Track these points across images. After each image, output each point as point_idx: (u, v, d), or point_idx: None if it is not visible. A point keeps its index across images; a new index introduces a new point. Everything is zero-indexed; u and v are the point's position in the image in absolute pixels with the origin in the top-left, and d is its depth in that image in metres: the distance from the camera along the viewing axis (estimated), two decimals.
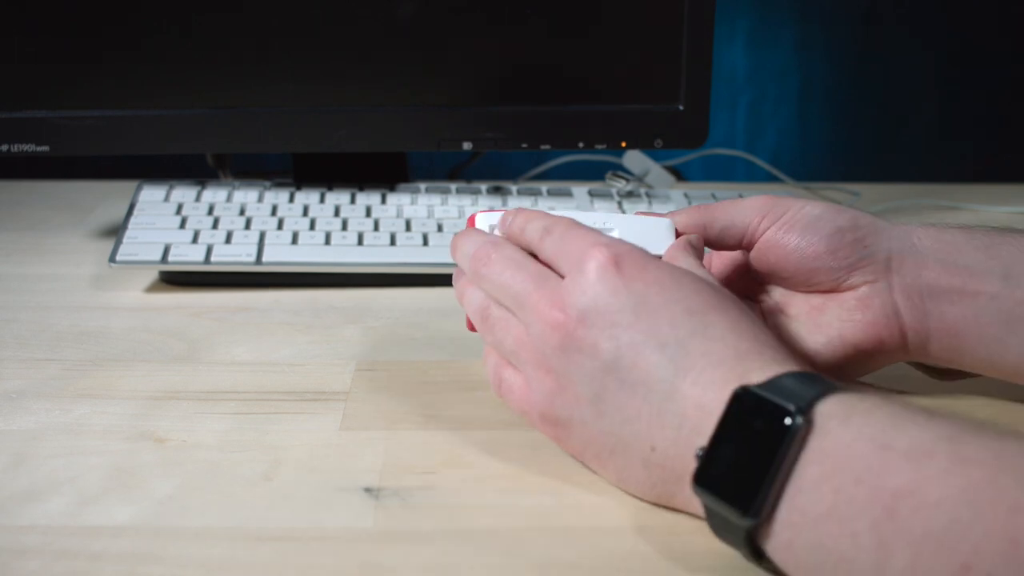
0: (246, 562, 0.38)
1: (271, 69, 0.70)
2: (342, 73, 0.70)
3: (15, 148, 0.69)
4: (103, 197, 0.85)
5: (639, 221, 0.49)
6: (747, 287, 0.52)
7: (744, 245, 0.49)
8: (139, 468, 0.44)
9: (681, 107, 0.72)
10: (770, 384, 0.36)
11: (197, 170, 0.81)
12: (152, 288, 0.66)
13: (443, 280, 0.66)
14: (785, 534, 0.34)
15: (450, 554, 0.39)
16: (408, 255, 0.66)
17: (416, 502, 0.42)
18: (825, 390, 0.35)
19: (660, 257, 0.47)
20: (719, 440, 0.36)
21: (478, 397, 0.51)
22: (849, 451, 0.32)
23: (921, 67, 1.06)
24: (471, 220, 0.49)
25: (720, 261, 0.53)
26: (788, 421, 0.33)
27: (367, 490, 0.43)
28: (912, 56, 1.06)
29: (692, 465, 0.37)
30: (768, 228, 0.48)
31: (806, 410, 0.34)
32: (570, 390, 0.41)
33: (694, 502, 0.38)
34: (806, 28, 1.05)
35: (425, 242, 0.68)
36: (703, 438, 0.36)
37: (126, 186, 0.78)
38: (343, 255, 0.66)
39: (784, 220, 0.48)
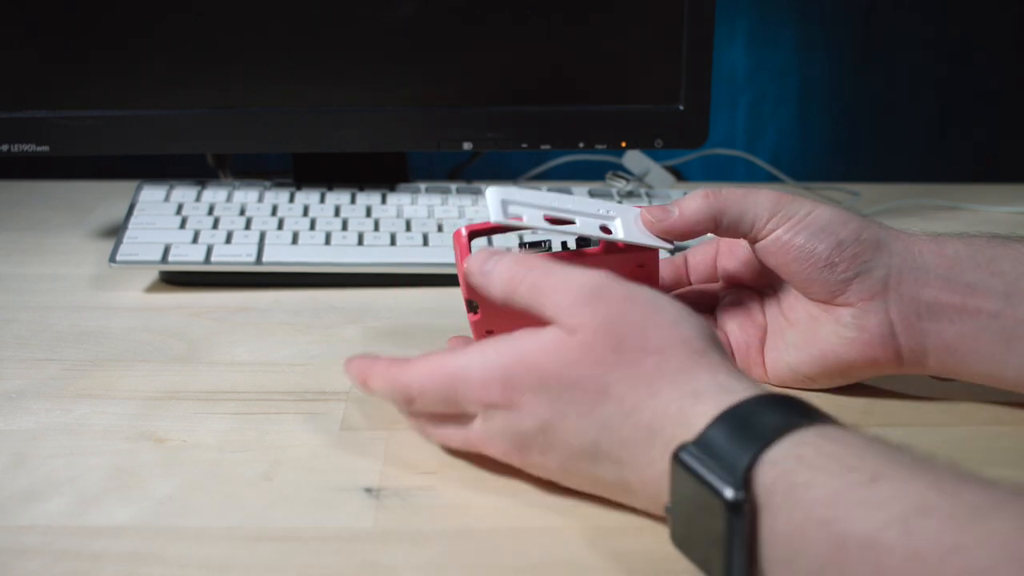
0: (246, 562, 0.38)
1: (271, 69, 0.70)
2: (342, 73, 0.70)
3: (15, 148, 0.69)
4: (103, 197, 0.85)
5: (635, 212, 0.49)
6: (756, 279, 0.52)
7: (750, 238, 0.49)
8: (139, 468, 0.44)
9: (681, 107, 0.72)
10: (702, 443, 0.34)
11: (197, 170, 0.81)
12: (152, 288, 0.66)
13: (443, 280, 0.66)
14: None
15: (450, 554, 0.39)
16: (408, 255, 0.66)
17: (416, 502, 0.42)
18: (756, 447, 0.33)
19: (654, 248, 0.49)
20: (678, 511, 0.35)
21: None
22: (804, 536, 0.31)
23: (921, 67, 1.06)
24: (458, 236, 0.49)
25: (727, 250, 0.53)
26: (729, 496, 0.32)
27: (367, 490, 0.43)
28: (912, 56, 1.06)
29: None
30: (775, 229, 0.47)
31: (745, 483, 0.33)
32: (515, 456, 0.42)
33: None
34: (806, 28, 1.05)
35: (425, 242, 0.68)
36: (665, 495, 0.36)
37: (126, 186, 0.78)
38: (343, 255, 0.66)
39: (791, 224, 0.47)
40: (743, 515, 0.32)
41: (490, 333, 0.51)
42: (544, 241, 0.50)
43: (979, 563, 0.27)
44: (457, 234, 0.49)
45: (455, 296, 0.64)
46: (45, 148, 0.70)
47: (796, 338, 0.49)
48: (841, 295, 0.47)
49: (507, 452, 0.41)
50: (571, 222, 0.48)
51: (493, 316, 0.49)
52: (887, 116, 1.09)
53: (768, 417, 0.34)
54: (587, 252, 0.49)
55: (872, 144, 1.10)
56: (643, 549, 0.39)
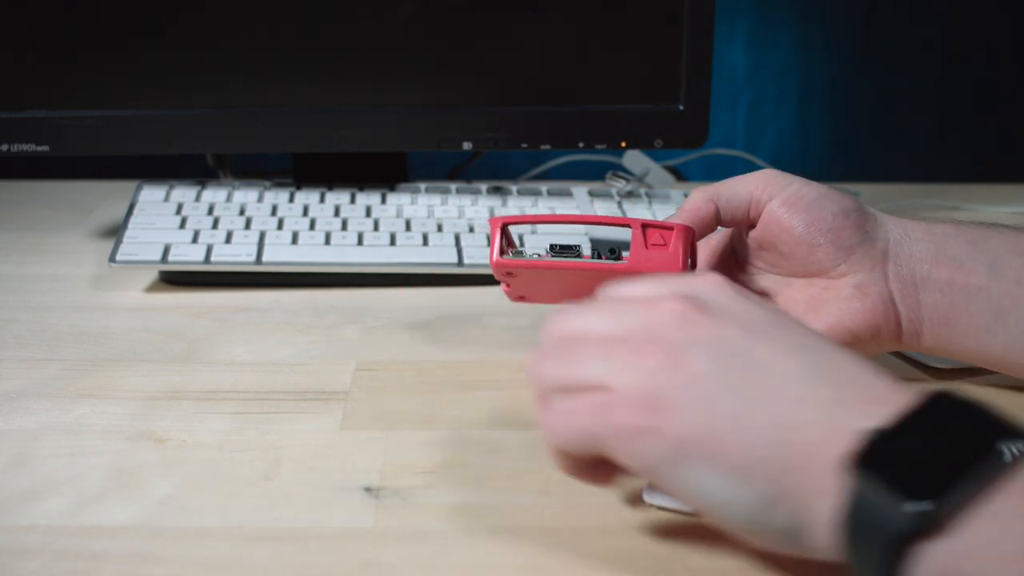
0: (246, 562, 0.38)
1: (271, 69, 0.70)
2: (342, 73, 0.70)
3: (15, 148, 0.69)
4: (103, 197, 0.85)
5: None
6: (749, 281, 0.52)
7: (751, 220, 0.50)
8: (139, 468, 0.44)
9: (681, 107, 0.72)
10: (972, 402, 0.31)
11: (197, 170, 0.81)
12: (152, 288, 0.66)
13: (443, 280, 0.66)
14: (952, 561, 0.28)
15: (450, 554, 0.39)
16: (408, 255, 0.66)
17: (416, 502, 0.42)
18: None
19: None
20: (902, 429, 0.30)
21: (478, 397, 0.51)
22: None
23: (921, 67, 1.06)
24: (494, 223, 0.50)
25: (718, 242, 0.53)
26: (1000, 440, 0.28)
27: (367, 490, 0.43)
28: (912, 56, 1.06)
29: (841, 444, 0.31)
30: (770, 200, 0.48)
31: (1018, 437, 0.29)
32: (686, 365, 0.34)
33: (814, 497, 0.31)
34: (806, 28, 1.05)
35: (425, 242, 0.68)
36: (864, 419, 0.31)
37: (126, 186, 0.78)
38: (343, 255, 0.66)
39: (787, 195, 0.48)
40: (1010, 454, 0.28)
41: (523, 298, 0.54)
42: (575, 246, 0.50)
43: None
44: (492, 223, 0.50)
45: (455, 296, 0.65)
46: (45, 148, 0.70)
47: (799, 317, 0.48)
48: (843, 263, 0.48)
49: (634, 414, 0.34)
50: (578, 247, 0.50)
51: (523, 287, 0.52)
52: (887, 116, 1.09)
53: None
54: (616, 267, 0.48)
55: (872, 144, 1.10)
56: (643, 549, 0.39)
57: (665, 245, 0.48)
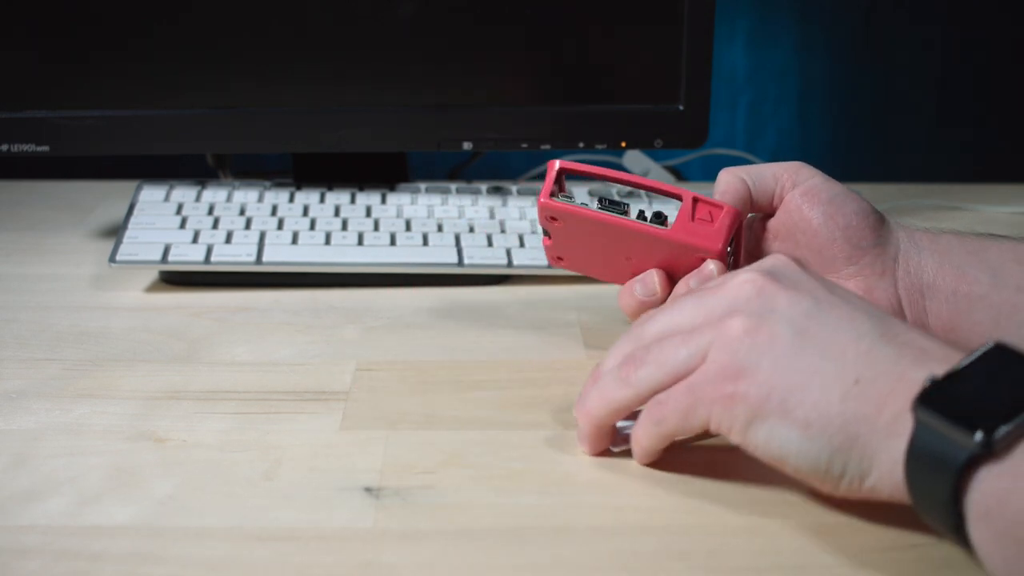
0: (246, 562, 0.38)
1: (271, 69, 0.70)
2: (342, 73, 0.70)
3: (15, 148, 0.69)
4: (103, 197, 0.85)
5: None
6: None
7: (773, 206, 0.50)
8: (139, 468, 0.44)
9: (681, 107, 0.72)
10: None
11: (197, 170, 0.81)
12: (152, 288, 0.66)
13: (443, 280, 0.66)
14: (1004, 482, 0.31)
15: (450, 554, 0.39)
16: (408, 255, 0.66)
17: (416, 502, 0.42)
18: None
19: None
20: (962, 374, 0.34)
21: (478, 397, 0.51)
22: None
23: (921, 67, 1.06)
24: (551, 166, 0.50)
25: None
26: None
27: (367, 490, 0.43)
28: (912, 56, 1.06)
29: (908, 392, 0.34)
30: (793, 188, 0.49)
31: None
32: (764, 330, 0.38)
33: (884, 442, 0.35)
34: (806, 28, 1.05)
35: (425, 242, 0.68)
36: (927, 371, 0.34)
37: (126, 186, 0.78)
38: (343, 255, 0.66)
39: (810, 186, 0.49)
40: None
41: (559, 259, 0.54)
42: (623, 203, 0.50)
43: None
44: (550, 164, 0.50)
45: (455, 296, 0.65)
46: (45, 148, 0.70)
47: None
48: (855, 264, 0.48)
49: (720, 382, 0.38)
50: (626, 205, 0.50)
51: (563, 244, 0.53)
52: (887, 116, 1.09)
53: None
54: (659, 233, 0.49)
55: (872, 144, 1.10)
56: (643, 549, 0.39)
57: (711, 222, 0.48)
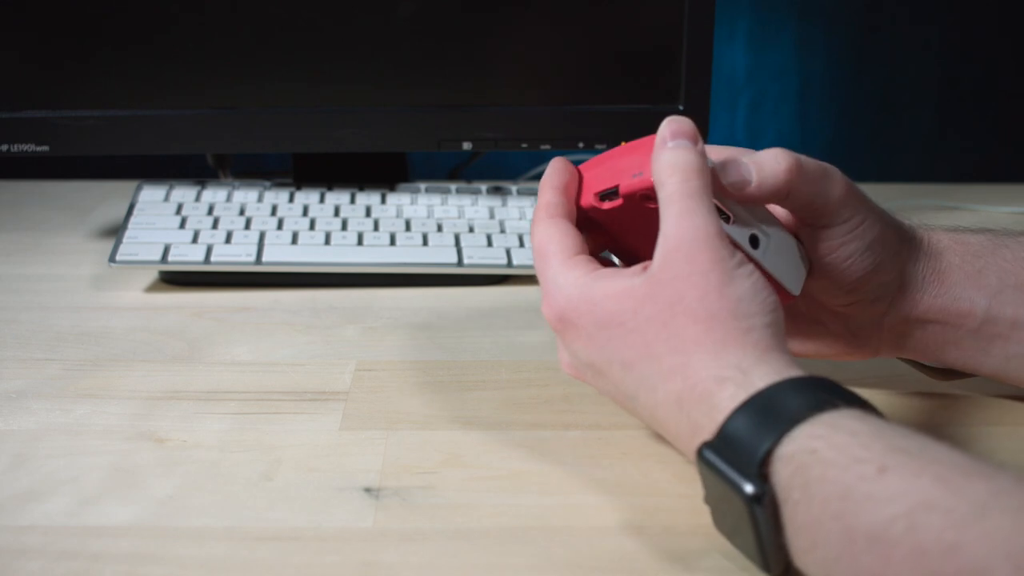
0: (246, 562, 0.38)
1: (271, 69, 0.70)
2: (342, 73, 0.70)
3: (15, 148, 0.69)
4: (103, 197, 0.85)
5: (786, 241, 0.44)
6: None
7: (810, 223, 0.45)
8: (139, 468, 0.44)
9: (681, 107, 0.72)
10: (719, 441, 0.36)
11: (197, 170, 0.81)
12: (152, 288, 0.66)
13: (443, 280, 0.66)
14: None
15: (450, 554, 0.39)
16: (408, 255, 0.66)
17: (416, 502, 0.42)
18: (771, 442, 0.35)
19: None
20: (711, 501, 0.38)
21: (478, 397, 0.51)
22: (821, 528, 0.33)
23: (921, 67, 1.06)
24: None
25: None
26: (748, 491, 0.34)
27: (367, 490, 0.43)
28: (912, 56, 1.06)
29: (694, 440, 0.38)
30: (847, 221, 0.44)
31: (761, 479, 0.35)
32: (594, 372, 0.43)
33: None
34: (806, 28, 1.05)
35: (425, 242, 0.68)
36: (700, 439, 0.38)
37: (126, 186, 0.78)
38: (343, 255, 0.66)
39: (855, 223, 0.44)
40: (764, 507, 0.34)
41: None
42: (726, 215, 0.43)
43: (977, 562, 0.29)
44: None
45: (455, 296, 0.65)
46: (45, 148, 0.70)
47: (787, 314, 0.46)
48: (847, 307, 0.47)
49: (568, 365, 0.45)
50: (727, 217, 0.43)
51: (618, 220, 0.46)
52: (887, 116, 1.09)
53: (785, 404, 0.35)
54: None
55: (872, 144, 1.10)
56: (643, 549, 0.39)
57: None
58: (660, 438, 0.46)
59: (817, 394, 0.36)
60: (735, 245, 0.41)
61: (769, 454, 0.35)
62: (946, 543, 0.30)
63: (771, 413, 0.35)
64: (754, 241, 0.43)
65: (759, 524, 0.35)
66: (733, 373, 0.37)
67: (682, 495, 0.42)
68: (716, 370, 0.37)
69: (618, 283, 0.40)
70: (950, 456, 0.32)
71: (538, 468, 0.44)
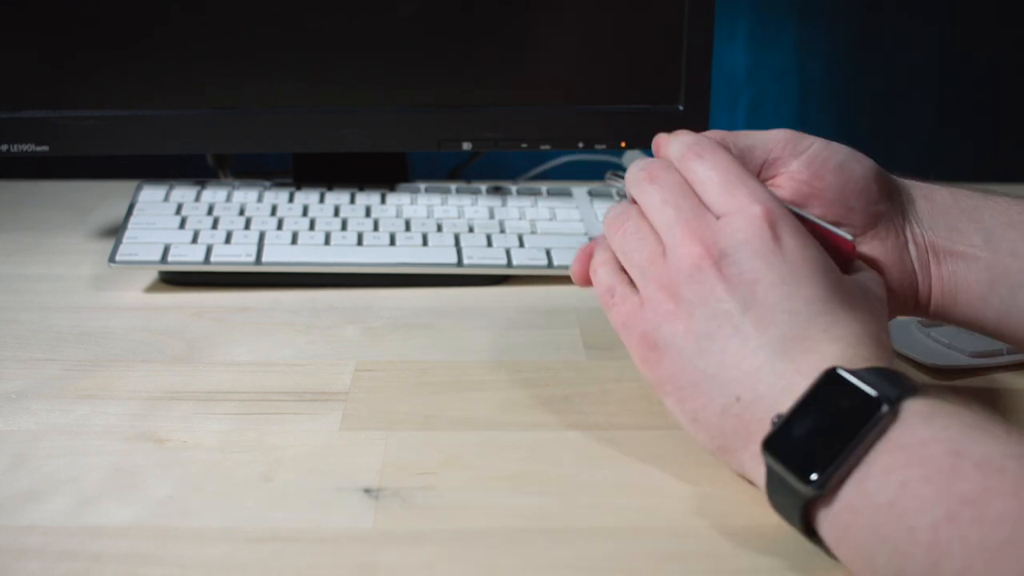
0: (246, 562, 0.38)
1: (271, 69, 0.70)
2: (342, 73, 0.70)
3: (15, 148, 0.69)
4: (103, 197, 0.85)
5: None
6: None
7: (762, 175, 0.47)
8: (139, 468, 0.44)
9: (681, 107, 0.72)
10: (865, 373, 0.36)
11: (197, 170, 0.81)
12: (152, 288, 0.66)
13: (443, 280, 0.66)
14: (844, 515, 0.34)
15: (450, 555, 0.39)
16: (408, 255, 0.66)
17: (416, 502, 0.42)
18: (913, 390, 0.35)
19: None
20: (800, 412, 0.36)
21: (478, 397, 0.51)
22: (924, 450, 0.33)
23: (921, 67, 1.06)
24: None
25: None
26: (875, 408, 0.34)
27: (367, 490, 0.43)
28: (912, 56, 1.06)
29: (766, 428, 0.37)
30: (793, 160, 0.47)
31: (894, 402, 0.34)
32: (685, 320, 0.41)
33: (752, 464, 0.39)
34: (806, 28, 1.05)
35: (425, 242, 0.68)
36: (786, 405, 0.37)
37: (126, 186, 0.78)
38: (343, 255, 0.66)
39: (812, 156, 0.46)
40: (890, 412, 0.34)
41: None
42: None
43: None
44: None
45: (455, 296, 0.65)
46: (45, 148, 0.70)
47: None
48: (872, 227, 0.47)
49: (638, 343, 0.42)
50: None
51: None
52: (887, 116, 1.09)
53: (914, 383, 0.36)
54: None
55: (872, 144, 1.10)
56: (644, 550, 0.39)
57: None
58: (660, 438, 0.46)
59: (910, 383, 0.36)
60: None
61: (904, 395, 0.35)
62: None
63: (908, 380, 0.36)
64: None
65: (868, 429, 0.34)
66: (812, 369, 0.38)
67: (682, 495, 0.42)
68: (797, 366, 0.38)
69: (751, 230, 0.41)
70: None
71: (538, 468, 0.44)
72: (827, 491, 0.35)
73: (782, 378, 0.38)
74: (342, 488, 0.43)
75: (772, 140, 0.47)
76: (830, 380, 0.36)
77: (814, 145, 0.47)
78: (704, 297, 0.40)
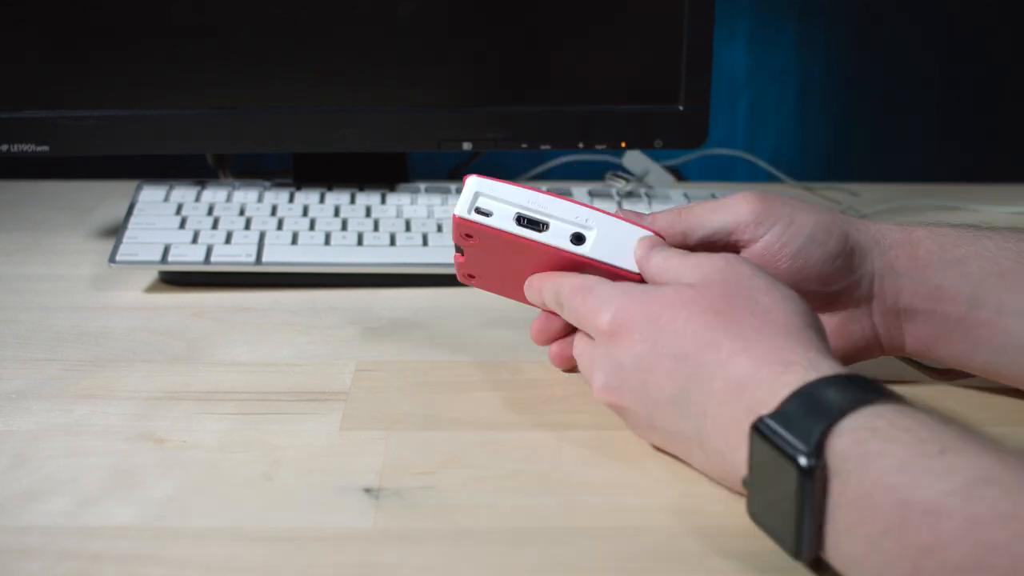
0: (246, 562, 0.38)
1: (271, 69, 0.70)
2: (342, 73, 0.70)
3: (15, 148, 0.69)
4: (103, 197, 0.85)
5: (619, 228, 0.47)
6: None
7: (732, 248, 0.47)
8: (139, 468, 0.44)
9: (681, 107, 0.72)
10: (780, 415, 0.36)
11: (197, 170, 0.81)
12: (152, 288, 0.66)
13: (443, 280, 0.66)
14: (835, 565, 0.35)
15: (450, 554, 0.39)
16: (408, 255, 0.66)
17: (416, 502, 0.42)
18: (833, 418, 0.35)
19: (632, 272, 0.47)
20: (754, 480, 0.37)
21: (478, 397, 0.51)
22: (871, 502, 0.33)
23: (921, 67, 1.06)
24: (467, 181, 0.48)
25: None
26: (803, 462, 0.34)
27: (367, 490, 0.43)
28: (912, 56, 1.06)
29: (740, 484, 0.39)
30: (752, 243, 0.47)
31: (818, 451, 0.34)
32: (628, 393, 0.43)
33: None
34: (806, 28, 1.05)
35: (425, 242, 0.68)
36: (742, 468, 0.38)
37: (126, 186, 0.78)
38: (343, 255, 0.66)
39: (773, 239, 0.46)
40: (815, 480, 0.34)
41: (471, 277, 0.52)
42: (542, 223, 0.47)
43: None
44: (466, 179, 0.48)
45: (455, 296, 0.65)
46: (45, 148, 0.70)
47: None
48: (830, 305, 0.48)
49: (605, 386, 0.44)
50: (545, 225, 0.47)
51: (476, 262, 0.51)
52: (887, 116, 1.09)
53: (846, 392, 0.36)
54: (576, 258, 0.47)
55: (872, 144, 1.10)
56: (643, 550, 0.39)
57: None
58: None
59: (877, 388, 0.36)
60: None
61: (830, 428, 0.34)
62: (1000, 511, 0.30)
63: (831, 397, 0.36)
64: (577, 238, 0.47)
65: (804, 501, 0.34)
66: (800, 359, 0.38)
67: (682, 495, 0.42)
68: (782, 356, 0.38)
69: (668, 288, 0.43)
70: (1012, 448, 0.33)
71: (538, 468, 0.44)
72: (813, 553, 0.36)
73: (721, 451, 0.40)
74: (342, 488, 0.43)
75: (732, 222, 0.47)
76: (757, 436, 0.36)
77: (774, 228, 0.46)
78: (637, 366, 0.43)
